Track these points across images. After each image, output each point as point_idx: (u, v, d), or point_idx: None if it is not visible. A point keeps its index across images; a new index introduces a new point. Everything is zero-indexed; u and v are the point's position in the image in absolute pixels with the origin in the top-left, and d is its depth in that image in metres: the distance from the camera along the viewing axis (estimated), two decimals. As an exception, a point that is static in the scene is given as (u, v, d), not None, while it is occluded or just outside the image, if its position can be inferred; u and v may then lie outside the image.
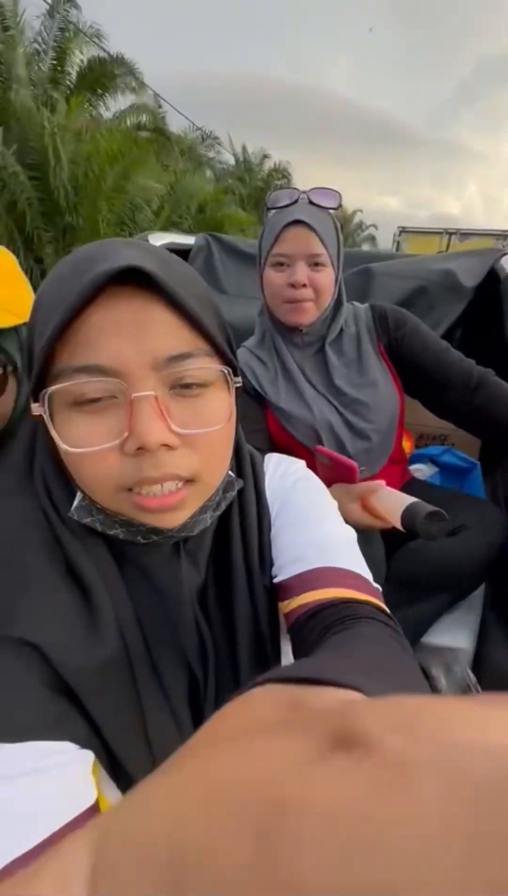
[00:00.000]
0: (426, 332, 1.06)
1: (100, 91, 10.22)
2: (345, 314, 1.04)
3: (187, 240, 1.95)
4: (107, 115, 10.40)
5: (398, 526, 0.71)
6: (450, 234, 8.53)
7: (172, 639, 0.42)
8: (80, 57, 9.70)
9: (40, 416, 0.35)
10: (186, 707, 0.42)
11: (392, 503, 0.74)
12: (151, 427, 0.34)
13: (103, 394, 0.34)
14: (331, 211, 0.97)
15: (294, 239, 0.94)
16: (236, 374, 0.40)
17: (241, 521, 0.47)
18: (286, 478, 0.53)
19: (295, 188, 0.98)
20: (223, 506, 0.45)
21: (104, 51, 9.75)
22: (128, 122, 10.19)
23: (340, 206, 0.99)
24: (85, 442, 0.34)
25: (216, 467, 0.40)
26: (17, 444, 0.44)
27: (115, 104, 10.59)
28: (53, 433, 0.35)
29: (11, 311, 0.58)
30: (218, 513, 0.44)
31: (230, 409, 0.39)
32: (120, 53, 9.95)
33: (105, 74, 9.95)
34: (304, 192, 0.96)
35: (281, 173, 17.30)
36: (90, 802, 0.32)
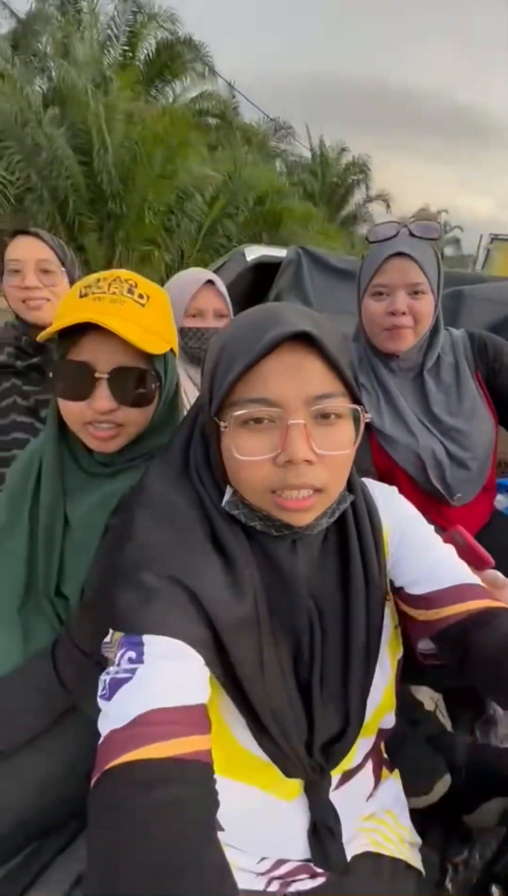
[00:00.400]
0: None
1: (169, 76, 9.84)
2: (441, 341, 1.06)
3: (280, 252, 2.02)
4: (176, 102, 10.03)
5: None
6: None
7: (287, 613, 0.55)
8: (149, 42, 9.37)
9: (213, 428, 0.52)
10: (291, 665, 0.55)
11: None
12: (300, 447, 0.46)
13: (259, 417, 0.48)
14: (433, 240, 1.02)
15: (394, 270, 0.98)
16: (366, 412, 0.54)
17: (356, 523, 0.59)
18: (390, 498, 0.66)
19: (396, 221, 1.02)
20: (337, 514, 0.56)
21: (171, 34, 9.32)
22: (192, 107, 9.71)
23: (441, 236, 1.05)
24: (248, 452, 0.48)
25: (339, 482, 0.52)
26: (175, 445, 0.60)
27: (184, 91, 10.19)
28: (228, 444, 0.50)
29: (164, 339, 0.71)
30: (332, 519, 0.56)
31: (355, 438, 0.51)
32: (188, 35, 9.48)
33: (173, 58, 9.54)
34: (405, 225, 1.00)
35: (359, 167, 16.13)
36: (203, 700, 0.45)
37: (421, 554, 0.61)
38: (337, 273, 1.88)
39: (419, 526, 0.64)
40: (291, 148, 15.14)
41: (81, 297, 0.67)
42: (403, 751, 0.82)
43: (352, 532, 0.59)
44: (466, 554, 0.84)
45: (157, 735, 0.39)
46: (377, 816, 0.64)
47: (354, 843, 0.60)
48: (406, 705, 0.95)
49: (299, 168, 15.53)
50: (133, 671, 0.43)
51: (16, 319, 1.19)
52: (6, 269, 1.13)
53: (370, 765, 0.63)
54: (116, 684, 0.43)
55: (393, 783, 0.69)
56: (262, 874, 0.57)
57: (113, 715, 0.41)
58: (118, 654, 0.45)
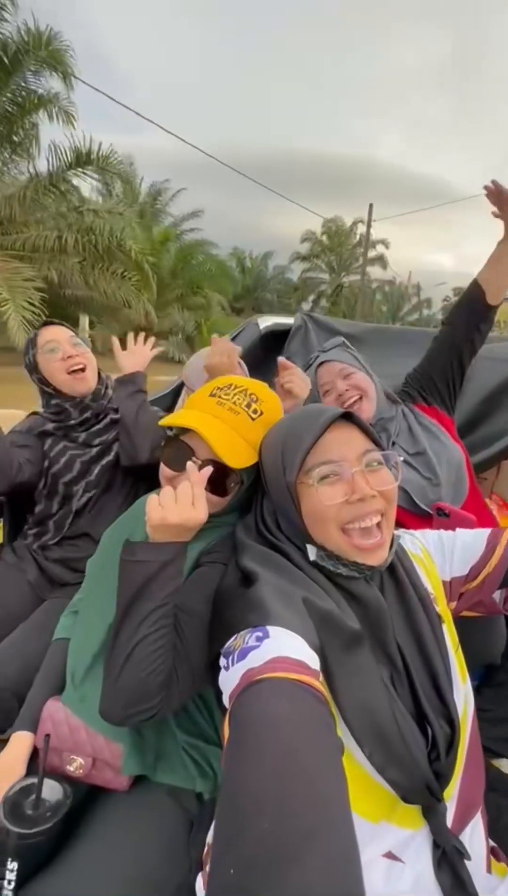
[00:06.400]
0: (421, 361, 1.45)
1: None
2: (390, 404, 1.38)
3: (288, 320, 2.24)
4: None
5: None
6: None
7: (378, 633, 0.68)
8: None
9: (292, 493, 0.70)
10: (390, 680, 0.66)
11: None
12: (364, 486, 0.66)
13: (331, 473, 0.68)
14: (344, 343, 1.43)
15: (324, 373, 1.33)
16: (399, 456, 0.74)
17: (401, 561, 0.77)
18: (418, 537, 0.87)
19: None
20: (395, 549, 0.71)
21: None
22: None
23: (344, 342, 1.43)
24: (329, 499, 0.67)
25: (393, 510, 0.71)
26: (249, 517, 0.80)
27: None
28: (310, 499, 0.68)
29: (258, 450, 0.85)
30: (391, 557, 0.71)
31: (396, 476, 0.71)
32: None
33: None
34: (318, 351, 1.44)
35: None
36: (317, 667, 0.54)
37: (451, 542, 0.83)
38: (343, 336, 1.99)
39: (435, 534, 0.86)
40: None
41: (211, 395, 0.85)
42: (504, 825, 0.80)
43: (398, 564, 0.75)
44: (452, 524, 1.00)
45: (286, 669, 0.49)
46: None
47: None
48: (497, 779, 0.92)
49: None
50: (261, 640, 0.53)
51: (56, 395, 1.34)
52: (42, 352, 1.30)
53: (480, 825, 0.68)
54: (245, 651, 0.53)
55: None
56: None
57: (246, 665, 0.51)
58: (246, 637, 0.55)
